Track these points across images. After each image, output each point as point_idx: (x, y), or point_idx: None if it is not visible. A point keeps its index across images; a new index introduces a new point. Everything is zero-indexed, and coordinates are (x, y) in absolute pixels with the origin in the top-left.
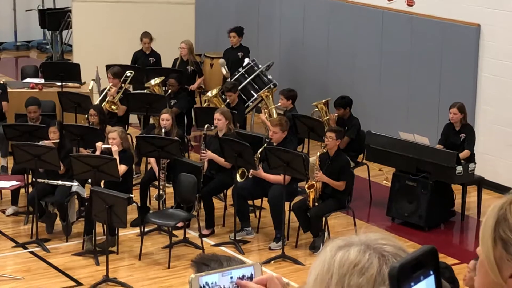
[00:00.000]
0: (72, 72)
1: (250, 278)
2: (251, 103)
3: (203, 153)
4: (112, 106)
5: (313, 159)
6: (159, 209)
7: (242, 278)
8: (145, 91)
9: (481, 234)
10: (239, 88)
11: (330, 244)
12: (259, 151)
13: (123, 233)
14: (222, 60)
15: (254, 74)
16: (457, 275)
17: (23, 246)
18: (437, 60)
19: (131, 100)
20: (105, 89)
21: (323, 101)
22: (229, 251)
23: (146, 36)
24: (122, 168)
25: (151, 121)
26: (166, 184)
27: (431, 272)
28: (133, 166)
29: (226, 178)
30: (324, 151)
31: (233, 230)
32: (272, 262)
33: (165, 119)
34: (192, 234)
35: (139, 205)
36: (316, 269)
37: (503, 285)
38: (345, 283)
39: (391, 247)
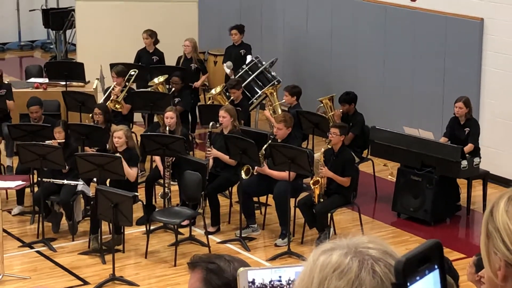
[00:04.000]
0: (76, 71)
1: None
2: (255, 100)
3: (209, 150)
4: (116, 105)
5: (318, 155)
6: (164, 207)
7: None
8: (149, 89)
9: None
10: (243, 85)
11: (317, 248)
12: (263, 148)
13: (129, 231)
14: (229, 63)
15: (258, 71)
16: (463, 269)
17: (30, 245)
18: (441, 54)
19: (135, 98)
20: (109, 88)
21: (328, 96)
22: (235, 248)
23: (145, 32)
24: (133, 171)
25: (156, 119)
26: (171, 182)
27: (436, 266)
28: (139, 164)
29: (231, 175)
30: (329, 147)
31: (239, 227)
32: (278, 258)
33: (170, 117)
34: (198, 232)
35: (144, 203)
36: (300, 273)
37: (496, 279)
38: (324, 287)
39: (376, 250)
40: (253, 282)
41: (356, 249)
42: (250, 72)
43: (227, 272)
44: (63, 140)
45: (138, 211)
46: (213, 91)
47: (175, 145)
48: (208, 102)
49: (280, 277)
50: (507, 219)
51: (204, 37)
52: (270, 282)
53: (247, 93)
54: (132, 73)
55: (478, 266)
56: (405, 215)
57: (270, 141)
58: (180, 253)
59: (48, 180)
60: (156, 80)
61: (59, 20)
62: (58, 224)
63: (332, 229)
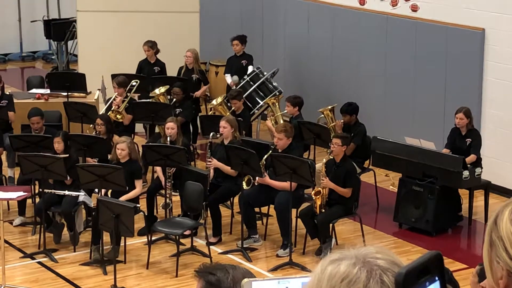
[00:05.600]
0: (78, 82)
1: None
2: (256, 111)
3: (209, 161)
4: (117, 116)
5: (319, 165)
6: (166, 217)
7: None
8: (150, 100)
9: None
10: (244, 95)
11: (325, 257)
12: (264, 158)
13: (130, 242)
14: (236, 78)
15: (259, 82)
16: (464, 279)
17: (31, 256)
18: (442, 65)
19: (136, 109)
20: (110, 98)
21: (329, 107)
22: (236, 258)
23: (145, 44)
24: (139, 184)
25: (157, 130)
26: (173, 193)
27: (437, 278)
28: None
29: (232, 186)
30: (331, 157)
31: (240, 238)
32: (280, 269)
33: (171, 127)
34: (199, 242)
35: (146, 214)
36: (308, 283)
37: None
38: None
39: (385, 261)
40: None
41: (364, 259)
42: (251, 83)
43: (224, 283)
44: (65, 155)
45: (139, 222)
46: (214, 102)
47: (176, 155)
48: (210, 113)
49: None
50: (511, 228)
51: (206, 48)
52: None
53: (249, 104)
54: (134, 83)
55: (481, 275)
56: (406, 226)
57: (271, 151)
58: (182, 264)
59: (50, 191)
60: (157, 91)
61: (60, 31)
62: (59, 235)
63: (333, 240)
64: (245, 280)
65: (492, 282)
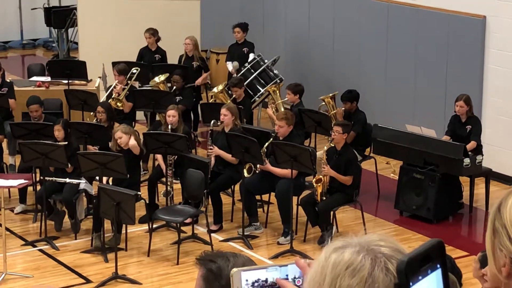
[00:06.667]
0: (79, 70)
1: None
2: (257, 98)
3: (210, 149)
4: (118, 103)
5: (320, 153)
6: (167, 205)
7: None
8: (150, 87)
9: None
10: (245, 83)
11: (328, 245)
12: (265, 146)
13: (131, 229)
14: (236, 63)
15: (260, 69)
16: (465, 267)
17: (32, 244)
18: (443, 52)
19: (137, 96)
20: (111, 86)
21: (330, 95)
22: (237, 246)
23: (147, 31)
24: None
25: (158, 117)
26: (174, 181)
27: (438, 266)
28: (141, 163)
29: (233, 174)
30: (332, 145)
31: (241, 225)
32: (280, 257)
33: (171, 115)
34: (201, 230)
35: (147, 201)
36: (311, 271)
37: (500, 276)
38: (337, 285)
39: (388, 248)
40: (256, 281)
41: (368, 247)
42: (252, 70)
43: (225, 271)
44: (65, 142)
45: (140, 210)
46: (215, 89)
47: (177, 143)
48: (210, 101)
49: (287, 275)
50: None
51: (206, 35)
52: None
53: (250, 91)
54: (134, 71)
55: (483, 262)
56: (407, 213)
57: (272, 139)
58: (183, 252)
59: (51, 178)
60: (157, 79)
61: (61, 18)
62: (60, 222)
63: (334, 227)
64: (235, 269)
65: (495, 269)
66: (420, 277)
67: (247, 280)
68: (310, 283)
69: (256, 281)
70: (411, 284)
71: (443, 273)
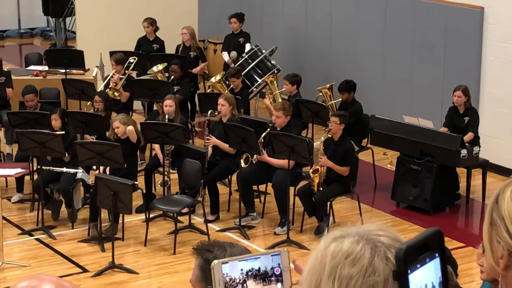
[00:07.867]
0: (76, 59)
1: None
2: (255, 89)
3: (207, 139)
4: (115, 93)
5: (318, 144)
6: (164, 195)
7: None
8: (148, 77)
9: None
10: (243, 73)
11: (327, 235)
12: (262, 136)
13: (128, 219)
14: (234, 53)
15: (257, 60)
16: (462, 258)
17: (29, 233)
18: (441, 43)
19: (135, 86)
20: (108, 75)
21: (328, 85)
22: (234, 236)
23: (145, 20)
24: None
25: (155, 107)
26: (171, 170)
27: (437, 255)
28: (138, 152)
29: (230, 164)
30: (329, 136)
31: (238, 216)
32: (277, 247)
33: (169, 105)
34: (197, 220)
35: (144, 191)
36: (310, 260)
37: (497, 268)
38: (336, 274)
39: (387, 238)
40: (251, 270)
41: (367, 236)
42: (250, 61)
43: None
44: (62, 132)
45: (137, 199)
46: (212, 80)
47: (174, 133)
48: (208, 91)
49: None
50: None
51: (204, 25)
52: (251, 271)
53: (247, 82)
54: (132, 60)
55: None
56: (404, 204)
57: (269, 129)
58: (180, 241)
59: (48, 167)
60: (155, 69)
61: (59, 7)
62: (57, 211)
63: (331, 218)
64: (215, 261)
65: (492, 261)
66: (418, 265)
67: (242, 270)
68: (310, 272)
69: (249, 270)
70: (409, 271)
71: (441, 262)
